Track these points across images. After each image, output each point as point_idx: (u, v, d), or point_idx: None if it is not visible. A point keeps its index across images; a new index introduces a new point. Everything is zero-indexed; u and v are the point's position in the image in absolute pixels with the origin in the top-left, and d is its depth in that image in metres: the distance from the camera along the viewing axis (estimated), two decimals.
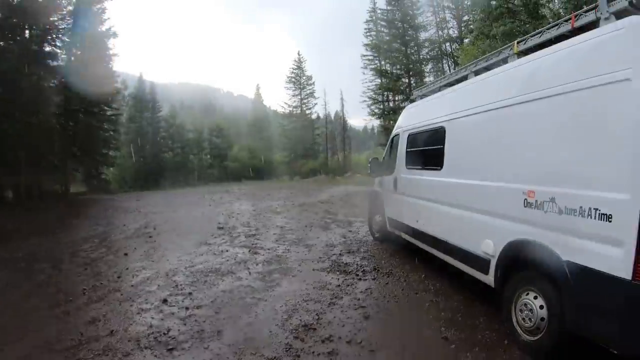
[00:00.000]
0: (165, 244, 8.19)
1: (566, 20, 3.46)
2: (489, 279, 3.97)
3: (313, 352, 3.44)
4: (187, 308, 4.49)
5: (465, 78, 5.13)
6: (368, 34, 40.01)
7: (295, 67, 49.14)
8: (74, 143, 23.56)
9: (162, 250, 7.59)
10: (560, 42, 3.35)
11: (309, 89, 48.86)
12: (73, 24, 22.96)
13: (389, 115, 37.86)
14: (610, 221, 2.63)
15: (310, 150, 46.94)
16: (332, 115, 54.49)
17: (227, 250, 7.35)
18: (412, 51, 37.77)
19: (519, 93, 3.66)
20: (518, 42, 4.17)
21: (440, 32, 36.89)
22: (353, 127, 66.53)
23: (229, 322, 4.10)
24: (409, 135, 6.45)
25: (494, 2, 18.65)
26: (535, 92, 3.44)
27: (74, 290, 5.29)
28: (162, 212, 13.63)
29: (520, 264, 3.54)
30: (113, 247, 8.17)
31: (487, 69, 4.66)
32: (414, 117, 6.48)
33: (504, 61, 4.31)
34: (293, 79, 48.89)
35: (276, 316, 4.26)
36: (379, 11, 39.29)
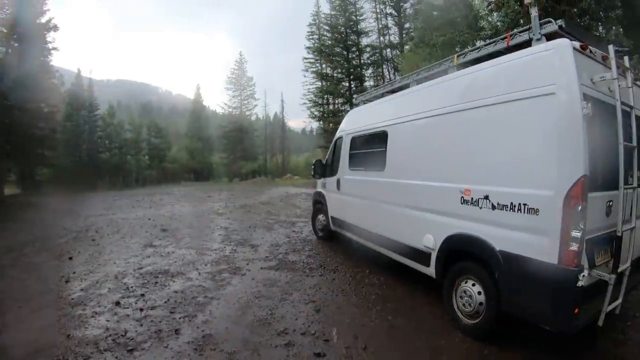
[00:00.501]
0: (110, 246, 7.83)
1: (502, 39, 3.86)
2: (430, 270, 4.31)
3: (270, 345, 3.55)
4: (141, 309, 4.38)
5: (407, 86, 5.41)
6: (310, 37, 40.44)
7: (236, 67, 48.25)
8: (8, 141, 21.30)
9: (108, 253, 7.26)
10: (497, 58, 3.73)
11: (250, 90, 48.21)
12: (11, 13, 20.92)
13: (329, 117, 38.48)
14: (537, 214, 3.04)
15: (249, 152, 46.30)
16: (272, 117, 54.24)
17: (173, 252, 7.19)
18: (354, 56, 38.62)
19: (458, 102, 4.01)
20: (458, 56, 4.54)
21: (381, 38, 38.01)
22: (292, 129, 66.76)
23: (185, 321, 4.07)
24: (352, 139, 6.67)
25: (435, 13, 19.77)
26: (473, 102, 3.80)
27: (22, 297, 4.90)
28: (102, 214, 12.90)
29: (458, 255, 3.90)
30: (55, 251, 7.61)
31: (428, 78, 4.96)
32: (357, 121, 6.72)
33: (444, 72, 4.62)
34: (234, 80, 47.93)
35: (231, 313, 4.29)
36: (322, 15, 39.88)
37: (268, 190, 23.26)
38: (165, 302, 4.59)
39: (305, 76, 40.82)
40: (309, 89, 40.41)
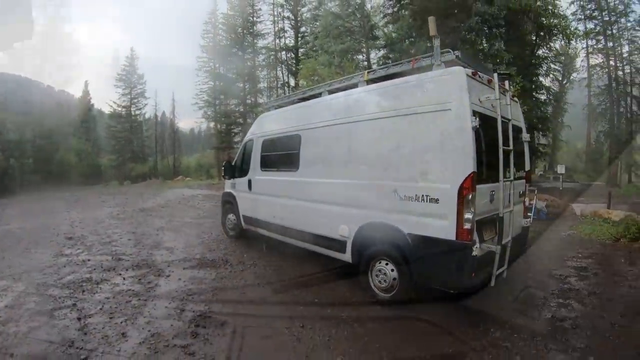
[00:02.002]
0: (18, 259, 6.92)
1: (408, 61, 4.62)
2: (347, 256, 4.93)
3: (219, 334, 3.77)
4: (79, 318, 4.15)
5: (319, 95, 5.92)
6: (206, 35, 39.19)
7: (127, 64, 43.94)
8: None
9: (18, 265, 6.43)
10: (405, 77, 4.48)
11: (140, 88, 44.24)
12: None
13: (222, 118, 37.75)
14: (438, 203, 3.85)
15: (139, 154, 42.82)
16: (160, 117, 50.58)
17: (89, 260, 6.70)
18: (249, 57, 38.55)
19: (370, 111, 4.70)
20: (368, 72, 5.23)
21: (277, 41, 38.53)
22: (181, 130, 63.25)
23: (128, 324, 4.01)
24: (263, 141, 6.95)
25: (332, 22, 20.92)
26: (383, 112, 4.52)
27: None
28: None
29: (372, 240, 4.54)
30: None
31: (339, 89, 5.56)
32: (269, 125, 7.03)
33: (355, 85, 5.25)
34: (123, 77, 43.53)
35: (170, 312, 4.33)
36: (220, 15, 38.85)
37: (163, 192, 22.13)
38: (101, 309, 4.42)
39: (198, 75, 39.47)
40: (201, 88, 39.12)
